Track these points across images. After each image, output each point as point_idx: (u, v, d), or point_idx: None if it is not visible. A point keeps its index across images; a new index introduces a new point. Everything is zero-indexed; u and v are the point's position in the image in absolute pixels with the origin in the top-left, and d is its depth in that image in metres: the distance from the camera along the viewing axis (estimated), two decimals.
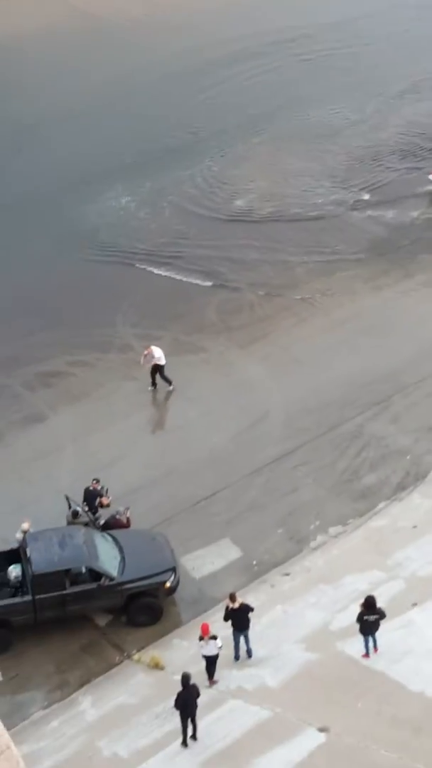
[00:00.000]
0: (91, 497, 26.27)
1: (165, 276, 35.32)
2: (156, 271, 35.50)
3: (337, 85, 45.02)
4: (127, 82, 46.08)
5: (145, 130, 42.57)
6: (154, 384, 30.99)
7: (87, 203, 38.82)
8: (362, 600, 22.34)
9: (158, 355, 30.74)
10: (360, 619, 22.08)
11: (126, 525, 25.93)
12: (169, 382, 31.03)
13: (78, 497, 26.28)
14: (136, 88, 45.56)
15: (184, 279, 35.13)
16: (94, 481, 26.49)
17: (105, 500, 26.30)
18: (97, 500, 26.22)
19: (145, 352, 30.91)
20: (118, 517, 25.91)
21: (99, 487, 26.43)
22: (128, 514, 26.06)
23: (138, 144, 41.54)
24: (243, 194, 38.95)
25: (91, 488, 26.39)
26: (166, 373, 30.89)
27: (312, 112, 43.38)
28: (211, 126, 42.69)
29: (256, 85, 45.49)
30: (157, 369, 30.87)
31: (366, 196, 38.40)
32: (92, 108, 44.50)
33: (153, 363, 30.84)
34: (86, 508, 26.06)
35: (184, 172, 40.09)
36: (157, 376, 30.92)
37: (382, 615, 22.14)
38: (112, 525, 25.82)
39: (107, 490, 26.44)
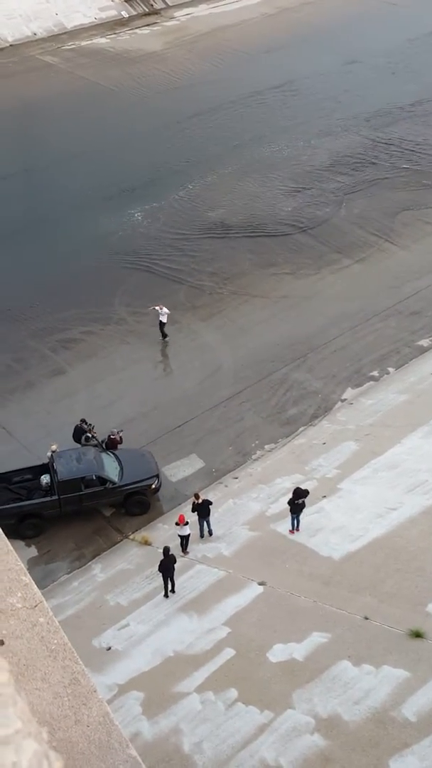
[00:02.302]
0: (79, 432, 25.56)
1: (150, 271, 34.69)
2: (145, 266, 34.73)
3: (277, 130, 44.15)
4: (131, 129, 44.85)
5: (145, 163, 41.46)
6: (164, 336, 30.31)
7: (106, 216, 37.70)
8: (290, 494, 22.46)
9: (163, 312, 30.07)
10: (292, 503, 22.16)
11: (119, 442, 25.61)
12: (163, 337, 30.40)
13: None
14: (139, 133, 44.31)
15: (165, 272, 34.50)
16: (81, 421, 25.74)
17: (90, 434, 25.59)
18: (84, 435, 25.42)
19: (156, 307, 30.06)
20: (112, 437, 25.64)
21: (86, 426, 25.64)
22: (120, 435, 25.72)
23: (139, 174, 40.53)
24: (216, 209, 38.15)
25: (78, 425, 25.67)
26: (165, 330, 30.36)
27: (262, 149, 42.56)
28: (194, 158, 41.66)
29: (222, 131, 44.40)
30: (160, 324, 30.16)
31: (309, 207, 37.40)
32: (106, 147, 43.28)
33: (159, 319, 30.03)
34: (81, 439, 25.29)
35: (176, 193, 39.15)
36: (165, 329, 30.19)
37: (306, 493, 22.14)
38: (109, 443, 25.59)
39: (93, 426, 25.71)
